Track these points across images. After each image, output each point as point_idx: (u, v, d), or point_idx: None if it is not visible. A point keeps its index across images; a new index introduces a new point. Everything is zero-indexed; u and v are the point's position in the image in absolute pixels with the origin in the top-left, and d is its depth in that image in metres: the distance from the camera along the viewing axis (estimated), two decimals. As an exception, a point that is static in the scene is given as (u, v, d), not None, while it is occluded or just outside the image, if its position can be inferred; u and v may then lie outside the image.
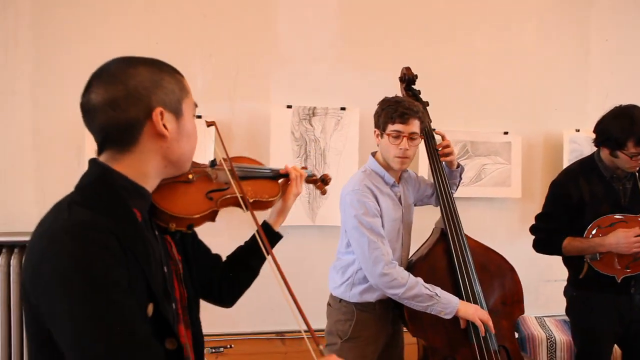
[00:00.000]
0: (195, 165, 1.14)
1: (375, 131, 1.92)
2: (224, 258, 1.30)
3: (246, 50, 2.73)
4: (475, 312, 1.77)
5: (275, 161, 2.72)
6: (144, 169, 0.96)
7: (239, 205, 1.14)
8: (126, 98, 0.91)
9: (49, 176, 2.55)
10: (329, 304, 2.00)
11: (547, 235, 2.20)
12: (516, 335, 2.59)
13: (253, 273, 1.28)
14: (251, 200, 1.18)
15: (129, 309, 0.81)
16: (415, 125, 1.84)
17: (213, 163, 1.17)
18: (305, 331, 1.01)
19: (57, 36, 2.54)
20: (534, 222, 2.26)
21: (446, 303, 1.75)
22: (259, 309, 2.64)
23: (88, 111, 0.92)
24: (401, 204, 1.94)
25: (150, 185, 0.98)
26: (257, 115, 2.74)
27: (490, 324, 1.78)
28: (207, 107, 2.67)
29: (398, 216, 1.91)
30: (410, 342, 2.08)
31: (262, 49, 2.74)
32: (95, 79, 0.92)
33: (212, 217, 1.10)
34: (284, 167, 1.34)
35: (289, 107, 2.74)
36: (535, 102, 3.05)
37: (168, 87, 0.95)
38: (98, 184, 0.92)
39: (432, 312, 1.75)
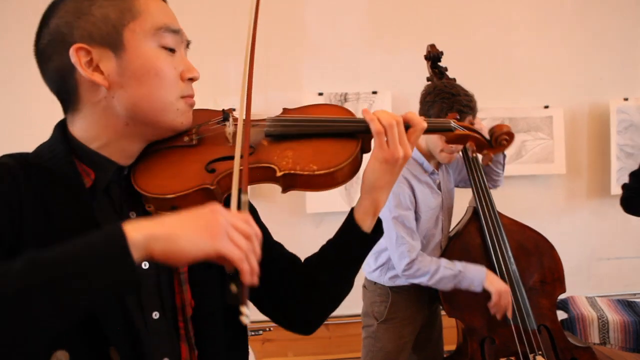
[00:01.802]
0: (203, 119, 0.82)
1: None
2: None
3: (276, 41, 2.76)
4: (498, 290, 1.70)
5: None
6: (96, 131, 0.74)
7: (262, 182, 0.79)
8: (50, 43, 0.72)
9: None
10: (364, 286, 2.02)
11: (634, 193, 2.11)
12: (565, 315, 2.50)
13: (323, 293, 0.87)
14: (280, 173, 0.77)
15: None
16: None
17: (225, 115, 0.82)
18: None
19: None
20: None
21: (471, 277, 1.72)
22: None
23: (40, 70, 0.76)
24: (440, 190, 1.90)
25: (117, 154, 0.75)
26: (290, 104, 2.73)
27: (500, 313, 1.71)
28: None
29: (437, 204, 1.87)
30: (449, 325, 2.06)
31: (291, 39, 2.77)
32: (37, 28, 0.75)
33: (205, 197, 0.75)
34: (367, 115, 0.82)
35: (321, 94, 2.76)
36: (577, 72, 2.89)
37: (97, 13, 0.70)
38: (47, 142, 0.76)
39: (463, 289, 1.73)
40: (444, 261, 1.76)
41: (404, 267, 1.75)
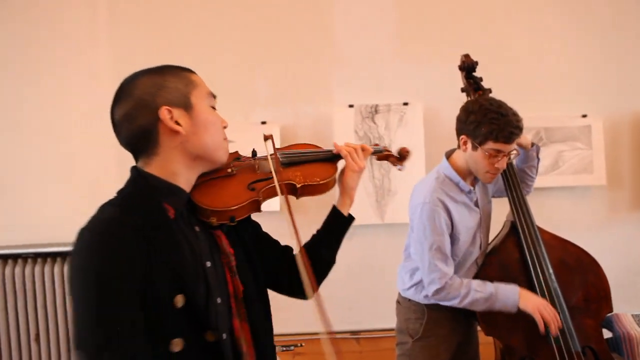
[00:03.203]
0: (236, 158, 1.18)
1: (462, 138, 1.73)
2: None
3: (305, 53, 2.77)
4: (536, 306, 1.63)
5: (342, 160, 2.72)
6: (172, 167, 1.02)
7: (289, 193, 1.15)
8: (135, 108, 1.00)
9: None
10: (398, 302, 1.97)
11: None
12: (610, 335, 2.38)
13: (325, 263, 1.24)
14: (299, 185, 1.16)
15: (124, 310, 0.89)
16: (515, 143, 1.70)
17: (254, 153, 1.19)
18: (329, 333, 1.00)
19: (132, 56, 2.72)
20: None
21: (504, 299, 1.66)
22: (333, 308, 2.66)
23: (115, 127, 1.03)
24: (478, 207, 1.84)
25: (184, 182, 1.04)
26: (320, 117, 2.77)
27: (554, 325, 1.63)
28: (271, 112, 2.75)
29: (475, 222, 1.81)
30: (486, 342, 1.99)
31: (320, 51, 2.76)
32: (115, 97, 1.03)
33: (254, 207, 1.11)
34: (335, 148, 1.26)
35: (351, 106, 2.74)
36: (616, 80, 2.78)
37: (171, 86, 1.01)
38: (133, 185, 1.02)
39: (496, 310, 1.67)
40: (474, 284, 1.70)
41: (433, 293, 1.73)
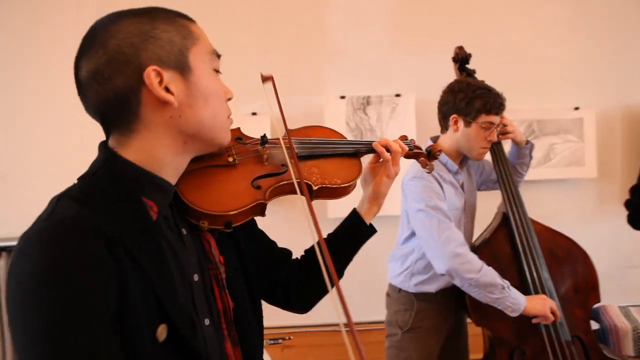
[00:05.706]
0: (239, 142, 0.91)
1: (453, 117, 1.76)
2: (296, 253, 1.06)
3: (299, 44, 2.74)
4: (545, 305, 1.64)
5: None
6: (156, 152, 0.74)
7: (296, 193, 0.89)
8: (108, 64, 0.70)
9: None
10: (387, 294, 1.97)
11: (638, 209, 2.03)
12: (597, 326, 2.40)
13: (339, 271, 1.02)
14: (315, 187, 0.91)
15: (101, 344, 0.62)
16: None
17: (264, 139, 0.91)
18: (345, 324, 0.76)
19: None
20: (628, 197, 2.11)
21: (515, 298, 1.64)
22: (322, 300, 2.66)
23: (79, 87, 0.74)
24: (463, 191, 1.85)
25: (171, 172, 0.77)
26: (311, 108, 2.74)
27: (558, 313, 1.66)
28: (262, 104, 2.71)
29: (460, 205, 1.83)
30: (475, 333, 2.00)
31: (312, 41, 2.74)
32: (82, 46, 0.73)
33: (258, 211, 0.85)
34: (373, 142, 1.03)
35: (343, 97, 2.72)
36: (609, 72, 2.78)
37: (163, 37, 0.72)
38: (102, 172, 0.73)
39: (498, 307, 1.64)
40: (494, 271, 1.67)
41: (454, 252, 1.62)
